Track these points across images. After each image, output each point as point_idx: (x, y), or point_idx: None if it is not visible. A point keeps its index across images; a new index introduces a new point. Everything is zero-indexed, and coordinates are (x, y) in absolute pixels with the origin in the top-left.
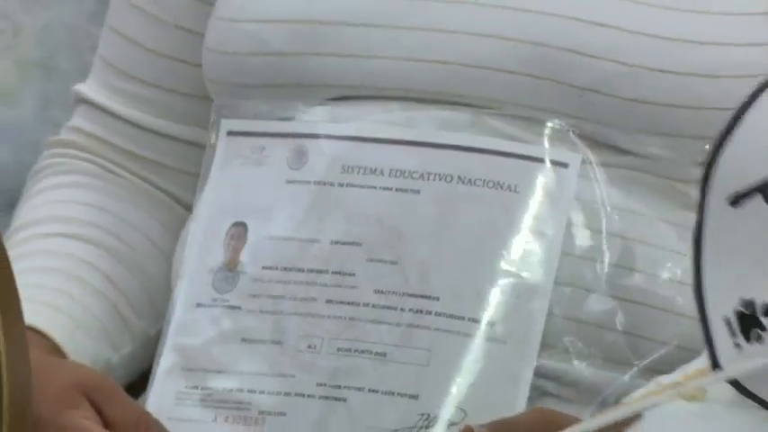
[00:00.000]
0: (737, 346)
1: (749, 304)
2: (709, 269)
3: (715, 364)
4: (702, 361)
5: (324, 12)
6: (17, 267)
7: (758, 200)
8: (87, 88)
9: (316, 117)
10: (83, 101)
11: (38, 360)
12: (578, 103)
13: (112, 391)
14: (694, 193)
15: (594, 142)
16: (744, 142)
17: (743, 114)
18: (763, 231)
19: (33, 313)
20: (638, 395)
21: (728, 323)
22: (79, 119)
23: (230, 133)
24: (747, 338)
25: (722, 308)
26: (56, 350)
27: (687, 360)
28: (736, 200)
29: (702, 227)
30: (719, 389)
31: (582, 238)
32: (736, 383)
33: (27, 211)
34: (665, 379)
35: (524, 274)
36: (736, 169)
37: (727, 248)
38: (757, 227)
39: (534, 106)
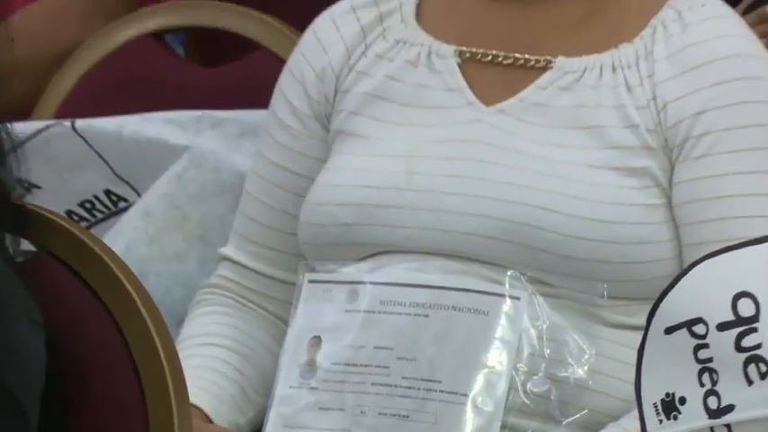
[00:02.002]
0: (661, 421)
1: (670, 395)
2: (646, 371)
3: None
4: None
5: (372, 199)
6: (184, 365)
7: (683, 332)
8: (228, 250)
9: (363, 268)
10: (225, 258)
11: (197, 424)
12: (530, 258)
13: None
14: (602, 313)
15: (538, 282)
16: (677, 296)
17: (679, 279)
18: (683, 352)
19: (193, 395)
20: None
21: (656, 407)
22: (222, 270)
23: (311, 281)
24: (668, 417)
25: (653, 396)
26: (206, 418)
27: (598, 421)
28: (669, 330)
29: (645, 345)
30: None
31: (530, 343)
32: None
33: (189, 328)
34: None
35: (494, 366)
36: (670, 312)
37: (659, 360)
38: (680, 349)
39: (502, 258)
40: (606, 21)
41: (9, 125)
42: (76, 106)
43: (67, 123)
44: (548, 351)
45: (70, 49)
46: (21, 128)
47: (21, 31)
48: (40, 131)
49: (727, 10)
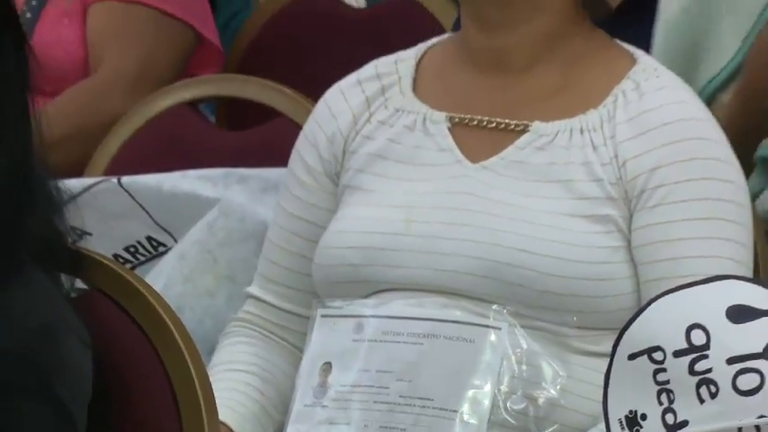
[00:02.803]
0: None
1: (633, 412)
2: (611, 391)
3: None
4: None
5: (376, 243)
6: (214, 387)
7: (644, 358)
8: (253, 289)
9: (368, 304)
10: (250, 296)
11: None
12: (510, 293)
13: None
14: (572, 342)
15: (518, 315)
16: (639, 327)
17: (640, 312)
18: (644, 375)
19: (221, 413)
20: None
21: (621, 422)
22: (248, 306)
23: (323, 315)
24: (631, 431)
25: (618, 413)
26: None
27: None
28: (632, 357)
29: (611, 369)
30: None
31: (510, 367)
32: None
33: (219, 356)
34: None
35: (479, 387)
36: (633, 341)
37: (623, 382)
38: (641, 372)
39: (487, 294)
40: (576, 91)
41: (63, 182)
42: (122, 165)
43: (114, 180)
44: (525, 374)
45: (115, 118)
46: (75, 183)
47: (71, 105)
48: (91, 186)
49: (677, 80)
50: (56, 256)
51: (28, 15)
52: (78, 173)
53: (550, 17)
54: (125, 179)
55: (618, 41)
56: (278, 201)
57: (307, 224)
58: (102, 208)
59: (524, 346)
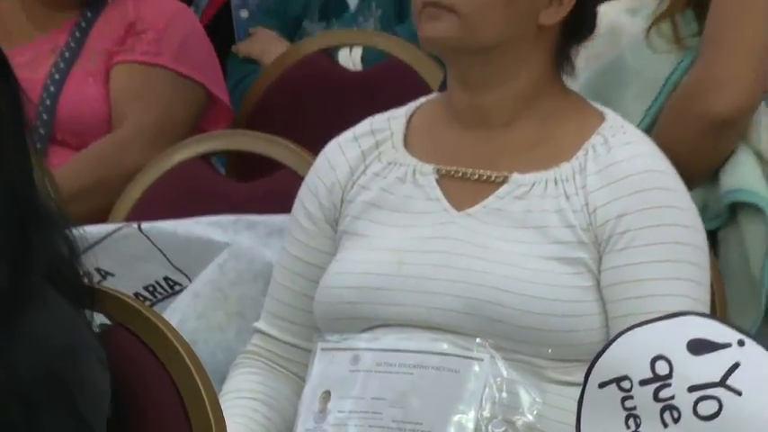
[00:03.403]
0: None
1: None
2: (584, 417)
3: None
4: None
5: (371, 283)
6: (225, 413)
7: (613, 386)
8: (260, 325)
9: (363, 338)
10: (258, 331)
11: None
12: (491, 328)
13: None
14: (547, 372)
15: (498, 347)
16: (608, 358)
17: (609, 345)
18: (613, 402)
19: None
20: None
21: None
22: (256, 340)
23: (323, 348)
24: None
25: None
26: None
27: None
28: (602, 385)
29: (583, 396)
30: None
31: (491, 394)
32: None
33: (229, 384)
34: None
35: (464, 412)
36: (603, 371)
37: (594, 408)
38: (610, 400)
39: (470, 329)
40: (550, 145)
41: (86, 228)
42: (142, 212)
43: (135, 225)
44: (505, 400)
45: (135, 170)
46: (99, 229)
47: (95, 157)
48: (113, 231)
49: (642, 136)
50: (77, 292)
51: (56, 77)
52: (102, 219)
53: (528, 78)
54: (144, 225)
55: (588, 100)
56: (283, 244)
57: (309, 266)
58: (123, 251)
59: (504, 375)
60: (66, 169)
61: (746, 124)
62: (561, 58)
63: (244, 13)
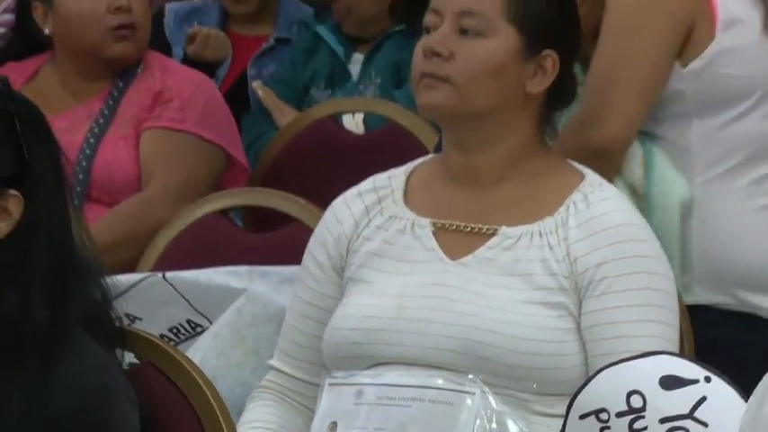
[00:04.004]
0: None
1: None
2: None
3: None
4: None
5: (374, 326)
6: None
7: (592, 418)
8: (274, 362)
9: (367, 375)
10: (272, 368)
11: None
12: (482, 365)
13: None
14: (532, 405)
15: (488, 383)
16: (588, 393)
17: (589, 381)
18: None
19: None
20: None
21: None
22: (270, 376)
23: (330, 384)
24: None
25: None
26: None
27: None
28: (582, 417)
29: (565, 427)
30: None
31: (482, 425)
32: None
33: (246, 416)
34: None
35: None
36: (583, 404)
37: None
38: (590, 430)
39: (463, 366)
40: (535, 202)
41: (117, 277)
42: (167, 262)
43: (160, 275)
44: (495, 430)
45: (161, 225)
46: (128, 278)
47: (126, 213)
48: (141, 280)
49: (617, 192)
50: (109, 334)
51: (91, 141)
52: (132, 268)
53: (515, 141)
54: (169, 274)
55: (569, 160)
56: (294, 290)
57: (318, 309)
58: (150, 297)
59: (494, 408)
60: (99, 223)
61: (621, 157)
62: (545, 123)
63: (257, 84)
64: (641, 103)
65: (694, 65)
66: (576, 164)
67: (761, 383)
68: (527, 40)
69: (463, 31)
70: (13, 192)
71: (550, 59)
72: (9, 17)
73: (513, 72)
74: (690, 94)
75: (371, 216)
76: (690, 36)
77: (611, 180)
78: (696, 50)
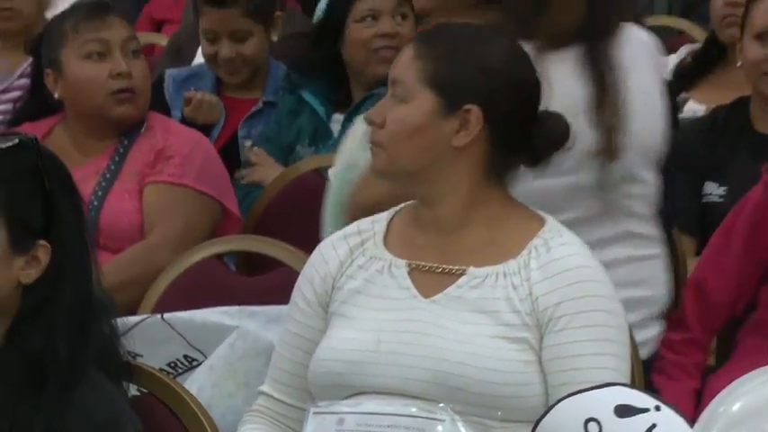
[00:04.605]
0: None
1: None
2: None
3: None
4: None
5: (354, 358)
6: None
7: None
8: (264, 388)
9: (347, 404)
10: (262, 393)
11: None
12: (452, 395)
13: None
14: (497, 431)
15: (457, 411)
16: (549, 420)
17: (550, 409)
18: None
19: None
20: None
21: None
22: (260, 400)
23: (314, 412)
24: None
25: None
26: None
27: None
28: None
29: None
30: None
31: None
32: None
33: None
34: None
35: None
36: (545, 430)
37: None
38: None
39: (435, 395)
40: (498, 246)
41: (122, 318)
42: (167, 303)
43: (159, 316)
44: None
45: (162, 269)
46: (131, 320)
47: (130, 259)
48: (141, 321)
49: (575, 237)
50: (117, 368)
51: (99, 193)
52: (133, 310)
53: (462, 190)
54: (167, 315)
55: (527, 206)
56: (284, 324)
57: (305, 340)
58: (150, 336)
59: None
60: (107, 268)
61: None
62: (490, 169)
63: (248, 142)
64: None
65: None
66: (537, 210)
67: (704, 412)
68: (445, 100)
69: (394, 99)
70: (42, 242)
71: (473, 113)
72: (25, 81)
73: (432, 131)
74: None
75: (354, 257)
76: None
77: None
78: None
